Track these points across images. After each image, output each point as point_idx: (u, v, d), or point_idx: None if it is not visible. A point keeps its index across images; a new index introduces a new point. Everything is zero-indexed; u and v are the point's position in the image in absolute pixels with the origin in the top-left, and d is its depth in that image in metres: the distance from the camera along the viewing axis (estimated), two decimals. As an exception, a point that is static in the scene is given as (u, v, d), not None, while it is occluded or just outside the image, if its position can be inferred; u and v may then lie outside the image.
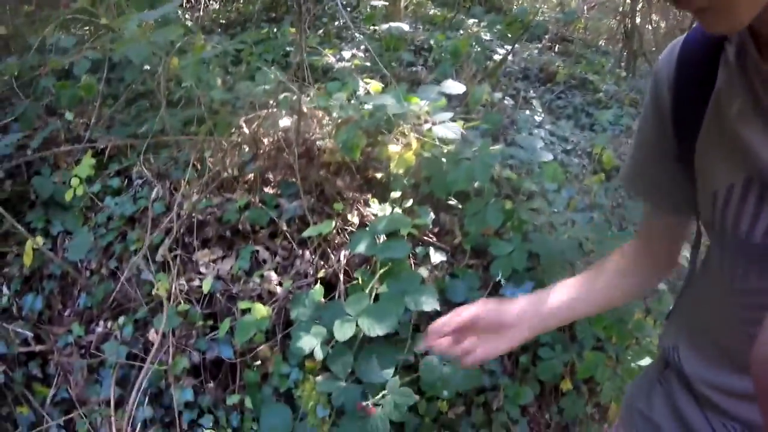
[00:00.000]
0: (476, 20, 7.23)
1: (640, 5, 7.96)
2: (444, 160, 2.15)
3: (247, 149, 2.82)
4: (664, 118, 0.76)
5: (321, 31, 5.11)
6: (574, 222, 2.50)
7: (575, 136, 3.78)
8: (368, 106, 2.35)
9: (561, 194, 2.79)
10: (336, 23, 5.36)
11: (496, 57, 5.03)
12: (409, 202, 2.34)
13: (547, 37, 6.77)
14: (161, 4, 2.10)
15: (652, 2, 8.46)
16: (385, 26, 4.48)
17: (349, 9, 6.15)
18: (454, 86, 2.27)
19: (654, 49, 8.35)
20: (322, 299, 2.14)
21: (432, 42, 5.13)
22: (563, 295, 0.94)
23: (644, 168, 0.85)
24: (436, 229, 2.42)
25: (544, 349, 2.22)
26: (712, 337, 0.77)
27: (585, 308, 0.96)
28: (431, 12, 7.24)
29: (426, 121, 2.25)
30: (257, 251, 2.44)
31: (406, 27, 4.50)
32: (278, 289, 2.31)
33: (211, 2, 5.94)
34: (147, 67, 2.81)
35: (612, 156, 3.56)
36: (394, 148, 2.36)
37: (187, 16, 5.11)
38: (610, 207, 3.12)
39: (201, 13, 5.29)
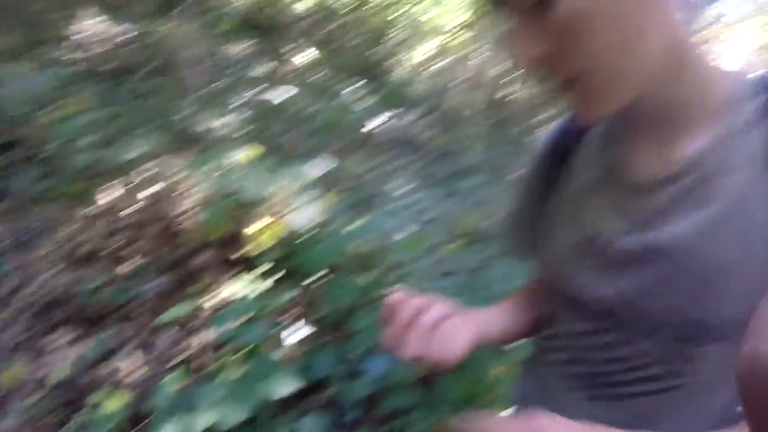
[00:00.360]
0: (356, 86, 7.56)
1: (507, 78, 8.73)
2: (306, 236, 2.21)
3: (108, 221, 2.74)
4: (537, 172, 0.85)
5: (203, 91, 5.07)
6: (437, 288, 2.63)
7: (440, 205, 4.00)
8: (235, 184, 2.38)
9: (421, 263, 2.94)
10: (220, 82, 5.34)
11: (372, 124, 5.29)
12: (273, 279, 2.37)
13: (421, 106, 7.17)
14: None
15: (520, 75, 9.29)
16: (266, 95, 4.56)
17: (239, 66, 6.19)
18: (320, 165, 2.35)
19: (516, 120, 9.14)
20: (183, 384, 2.09)
21: (310, 110, 5.29)
22: (499, 314, 0.95)
23: (521, 225, 0.94)
24: (298, 306, 2.46)
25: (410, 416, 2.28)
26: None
27: (517, 330, 0.95)
28: (314, 78, 7.47)
29: (288, 202, 2.32)
30: (116, 333, 2.36)
31: (283, 96, 4.61)
32: (137, 375, 2.23)
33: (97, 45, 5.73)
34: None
35: (471, 223, 3.83)
36: (258, 225, 2.40)
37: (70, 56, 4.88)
38: (471, 271, 3.29)
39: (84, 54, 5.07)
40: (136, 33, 5.64)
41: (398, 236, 2.95)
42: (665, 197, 0.64)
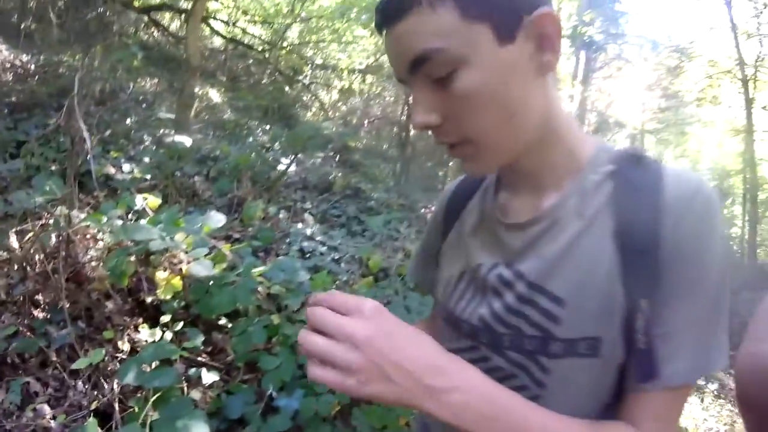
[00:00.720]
0: (265, 128, 7.60)
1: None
2: (210, 283, 2.26)
3: (16, 268, 2.67)
4: (438, 222, 0.98)
5: (108, 132, 4.93)
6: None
7: (346, 244, 4.12)
8: (140, 233, 2.40)
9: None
10: (128, 121, 5.22)
11: (281, 166, 5.36)
12: (180, 325, 2.40)
13: (330, 147, 7.34)
14: None
15: None
16: (170, 139, 4.55)
17: (144, 105, 6.11)
18: (216, 218, 2.40)
19: (424, 158, 9.52)
20: (99, 430, 2.07)
21: (218, 152, 5.29)
22: None
23: (424, 263, 1.03)
24: (208, 349, 2.50)
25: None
26: None
27: None
28: (225, 116, 7.43)
29: (195, 247, 2.37)
30: (28, 383, 2.31)
31: (189, 141, 4.60)
32: (52, 424, 2.19)
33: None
34: None
35: (379, 260, 3.96)
36: (162, 274, 2.43)
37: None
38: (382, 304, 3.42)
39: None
40: (41, 65, 5.49)
41: (308, 276, 3.04)
42: (526, 238, 0.77)
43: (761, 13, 14.51)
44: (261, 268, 2.38)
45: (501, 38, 0.65)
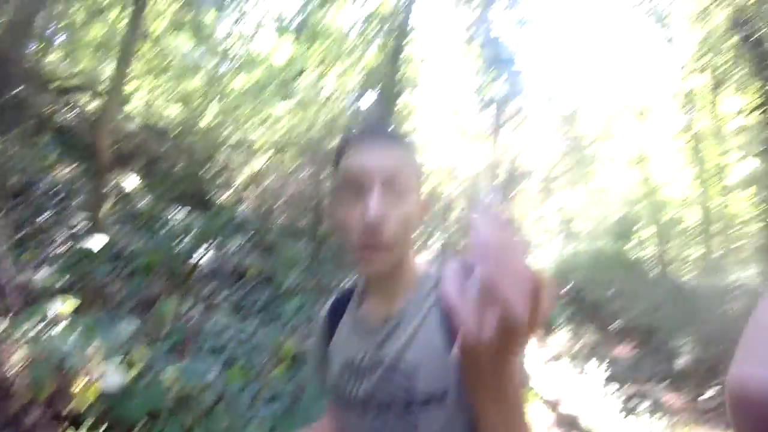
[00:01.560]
0: (181, 215, 7.68)
1: (327, 198, 9.41)
2: (126, 387, 2.45)
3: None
4: (321, 335, 1.29)
5: (22, 233, 4.91)
6: (260, 417, 2.95)
7: (261, 332, 4.32)
8: (55, 344, 2.55)
9: (245, 394, 3.25)
10: (41, 218, 5.18)
11: (197, 256, 5.49)
12: (103, 428, 2.54)
13: (245, 230, 7.50)
14: None
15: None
16: (84, 241, 4.62)
17: (60, 196, 6.10)
18: (129, 325, 2.59)
19: (336, 238, 9.77)
20: None
21: (131, 249, 5.37)
22: None
23: (319, 365, 1.32)
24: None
25: None
26: None
27: None
28: (140, 205, 7.42)
29: (109, 355, 2.55)
30: None
31: (104, 240, 4.68)
32: None
33: None
34: None
35: (293, 346, 4.19)
36: (81, 381, 2.59)
37: None
38: (292, 394, 3.60)
39: None
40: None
41: (221, 370, 3.24)
42: (384, 332, 1.11)
43: (645, 52, 15.90)
44: (173, 370, 2.57)
45: (416, 197, 1.09)
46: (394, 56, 11.48)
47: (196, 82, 12.71)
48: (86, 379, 2.66)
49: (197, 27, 11.32)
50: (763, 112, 10.20)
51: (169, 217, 7.38)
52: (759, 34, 9.53)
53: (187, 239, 6.13)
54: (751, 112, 11.18)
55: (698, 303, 9.81)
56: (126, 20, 9.87)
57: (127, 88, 9.89)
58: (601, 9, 16.71)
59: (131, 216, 6.89)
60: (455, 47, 19.35)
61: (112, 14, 10.35)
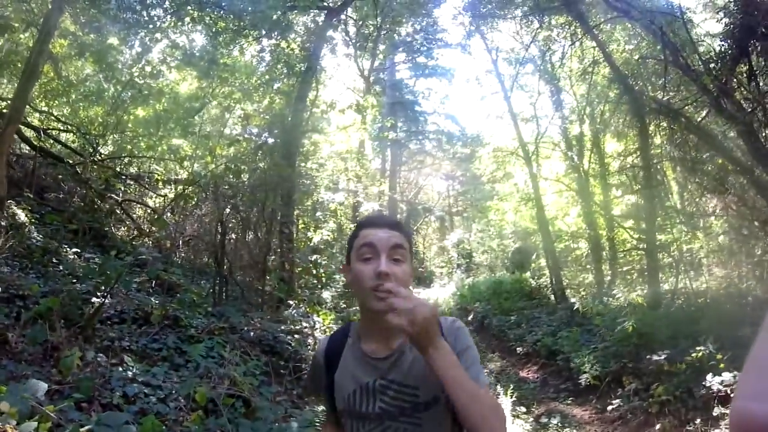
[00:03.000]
0: (78, 252, 7.27)
1: (228, 238, 9.29)
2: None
3: None
4: (321, 369, 1.68)
5: None
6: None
7: (170, 381, 4.18)
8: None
9: (161, 445, 3.15)
10: None
11: (95, 299, 5.21)
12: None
13: (143, 273, 7.19)
14: None
15: (241, 238, 9.89)
16: None
17: None
18: (39, 387, 2.47)
19: (242, 273, 9.63)
20: None
21: (26, 291, 5.05)
22: None
23: (314, 387, 1.77)
24: None
25: None
26: None
27: None
28: (30, 242, 6.93)
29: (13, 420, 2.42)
30: None
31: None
32: None
33: None
34: None
35: (205, 392, 4.09)
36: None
37: None
38: None
39: None
40: None
41: (134, 422, 3.13)
42: (388, 363, 1.56)
43: (536, 100, 17.23)
44: (86, 428, 2.48)
45: (410, 264, 1.59)
46: (299, 98, 11.60)
47: (96, 109, 12.20)
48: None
49: (101, 53, 10.88)
50: (639, 155, 11.32)
51: (64, 254, 6.99)
52: (635, 87, 10.60)
53: (85, 280, 5.84)
54: (629, 155, 12.43)
55: (593, 323, 10.39)
56: (28, 36, 9.41)
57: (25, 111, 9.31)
58: (500, 59, 17.53)
59: (24, 253, 6.47)
60: (359, 89, 19.91)
61: (14, 31, 9.74)
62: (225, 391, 4.14)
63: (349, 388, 1.59)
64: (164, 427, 3.40)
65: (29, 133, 10.15)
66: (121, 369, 4.07)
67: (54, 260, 6.67)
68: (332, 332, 1.86)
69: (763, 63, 8.01)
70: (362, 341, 1.63)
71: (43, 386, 2.37)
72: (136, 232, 10.87)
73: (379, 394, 1.55)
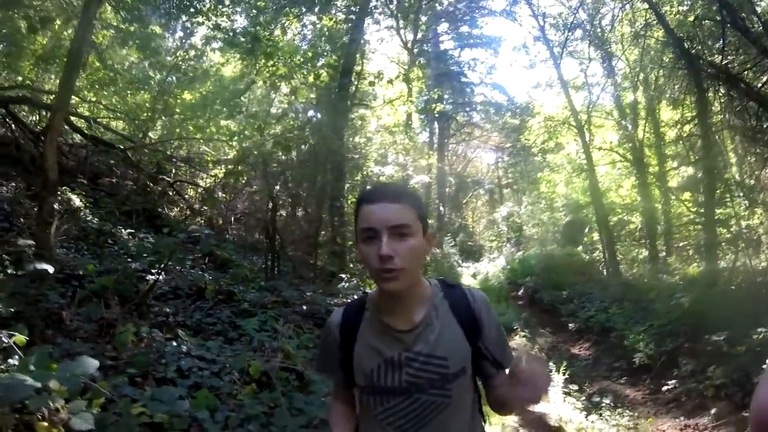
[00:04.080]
0: (132, 232, 7.42)
1: (279, 214, 9.30)
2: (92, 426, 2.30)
3: None
4: (336, 342, 1.61)
5: None
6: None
7: (224, 354, 4.18)
8: (14, 392, 2.38)
9: (216, 418, 3.13)
10: None
11: (149, 277, 5.28)
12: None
13: (199, 245, 7.28)
14: None
15: (292, 213, 9.90)
16: (30, 266, 4.37)
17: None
18: (90, 364, 2.44)
19: (293, 247, 9.65)
20: None
21: (81, 271, 5.14)
22: None
23: (326, 362, 1.72)
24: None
25: None
26: None
27: None
28: (85, 225, 7.10)
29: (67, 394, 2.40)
30: None
31: (51, 269, 4.43)
32: None
33: None
34: None
35: (259, 365, 4.06)
36: (43, 424, 2.44)
37: None
38: (266, 413, 3.48)
39: None
40: None
41: (188, 396, 3.12)
42: (413, 336, 1.53)
43: (587, 67, 16.51)
44: (139, 405, 2.46)
45: (423, 232, 1.49)
46: (344, 72, 11.45)
47: (143, 96, 12.38)
48: (48, 422, 2.51)
49: (144, 39, 10.98)
50: (696, 124, 10.76)
51: (118, 235, 7.13)
52: (692, 51, 9.99)
53: (139, 258, 5.92)
54: (686, 123, 11.82)
55: (648, 301, 10.00)
56: (71, 30, 9.57)
57: (73, 101, 9.51)
58: (548, 25, 16.97)
59: (79, 236, 6.62)
60: (403, 62, 19.60)
61: (56, 24, 9.92)
62: (278, 364, 4.11)
63: (372, 362, 1.55)
64: (218, 401, 3.38)
65: (80, 123, 10.37)
66: (175, 344, 4.09)
67: (109, 241, 6.80)
68: (346, 304, 1.76)
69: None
70: (382, 314, 1.58)
71: (95, 363, 2.34)
72: (188, 212, 11.03)
73: (405, 367, 1.52)
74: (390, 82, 13.05)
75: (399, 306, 1.55)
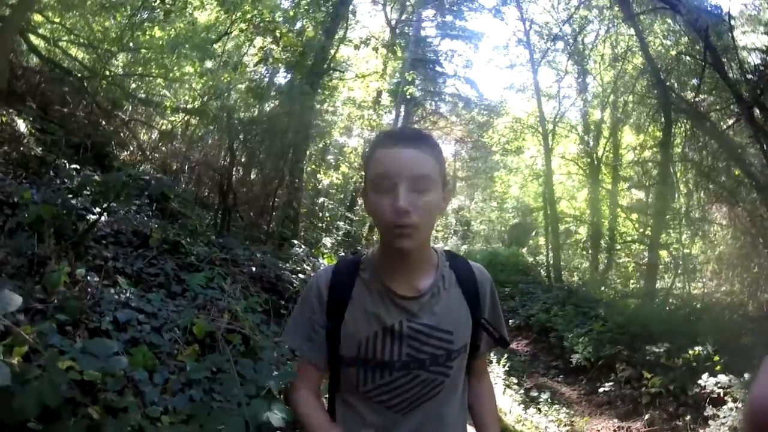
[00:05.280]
0: (75, 168, 6.87)
1: (236, 168, 8.87)
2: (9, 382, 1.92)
3: None
4: (322, 305, 1.42)
5: None
6: (174, 408, 2.54)
7: (167, 309, 3.82)
8: None
9: (155, 380, 2.80)
10: None
11: (90, 216, 4.84)
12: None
13: (146, 194, 6.79)
14: None
15: (248, 171, 9.48)
16: None
17: None
18: (11, 299, 2.01)
19: (246, 206, 9.23)
20: None
21: (16, 199, 4.67)
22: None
23: (305, 331, 1.47)
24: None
25: None
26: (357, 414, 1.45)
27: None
28: (30, 151, 6.56)
29: None
30: None
31: None
32: None
33: None
34: None
35: (204, 325, 3.73)
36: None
37: None
38: (210, 378, 3.15)
39: None
40: None
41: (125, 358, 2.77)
42: (419, 304, 1.38)
43: (562, 78, 17.08)
44: (68, 358, 2.10)
45: (442, 187, 1.33)
46: (328, 31, 11.00)
47: (111, 24, 11.54)
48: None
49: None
50: (656, 151, 11.21)
51: (62, 168, 6.58)
52: (666, 83, 10.34)
53: (82, 193, 5.44)
54: (646, 149, 12.40)
55: (590, 307, 10.58)
56: None
57: (31, 18, 8.75)
58: (532, 31, 17.17)
59: (18, 162, 6.06)
60: (383, 40, 19.15)
61: None
62: (225, 325, 3.77)
63: (368, 330, 1.38)
64: (157, 361, 3.04)
65: (38, 43, 9.59)
66: (113, 291, 3.67)
67: (51, 173, 6.26)
68: (337, 261, 1.56)
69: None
70: (383, 276, 1.40)
71: (18, 300, 1.93)
72: (139, 156, 10.42)
73: (407, 338, 1.37)
74: (375, 49, 12.69)
75: (404, 269, 1.39)
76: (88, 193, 5.43)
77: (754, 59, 8.85)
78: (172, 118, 11.82)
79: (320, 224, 11.04)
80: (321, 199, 10.72)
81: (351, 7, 12.60)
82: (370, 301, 1.39)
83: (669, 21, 11.38)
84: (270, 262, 6.60)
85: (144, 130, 11.76)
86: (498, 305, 1.55)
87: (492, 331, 1.49)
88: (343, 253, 11.72)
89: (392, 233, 1.27)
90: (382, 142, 1.32)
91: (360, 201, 17.82)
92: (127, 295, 3.69)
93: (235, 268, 5.62)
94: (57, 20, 10.73)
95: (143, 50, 11.56)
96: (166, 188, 6.09)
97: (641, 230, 13.10)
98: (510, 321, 11.51)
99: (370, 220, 18.85)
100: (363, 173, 1.52)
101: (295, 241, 8.49)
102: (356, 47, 12.46)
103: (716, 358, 6.21)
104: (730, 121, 9.12)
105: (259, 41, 12.32)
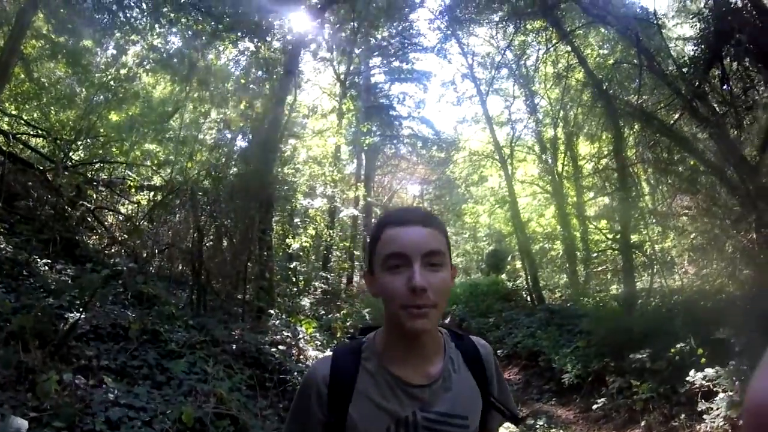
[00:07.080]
0: (48, 263, 6.95)
1: (205, 246, 8.99)
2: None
3: None
4: (322, 404, 1.30)
5: None
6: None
7: (153, 401, 3.97)
8: None
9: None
10: None
11: (69, 315, 4.95)
12: None
13: (118, 285, 6.90)
14: None
15: (218, 246, 9.63)
16: None
17: None
18: (20, 425, 2.25)
19: (220, 280, 9.32)
20: None
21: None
22: None
23: (305, 428, 1.34)
24: None
25: None
26: None
27: None
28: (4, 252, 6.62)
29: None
30: None
31: None
32: None
33: None
34: None
35: (192, 411, 3.90)
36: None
37: None
38: None
39: None
40: None
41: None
42: (432, 392, 1.30)
43: (511, 104, 17.87)
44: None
45: (449, 266, 1.29)
46: (278, 100, 11.37)
47: (68, 113, 11.74)
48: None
49: (75, 54, 10.48)
50: (612, 158, 11.55)
51: (34, 266, 6.68)
52: (609, 91, 10.79)
53: (59, 294, 5.57)
54: (602, 157, 12.74)
55: (573, 324, 10.64)
56: (2, 40, 8.98)
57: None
58: (476, 64, 17.75)
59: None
60: (335, 94, 19.70)
61: None
62: (212, 409, 3.94)
63: (378, 425, 1.27)
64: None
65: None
66: (101, 391, 3.85)
67: (24, 272, 6.37)
68: (334, 350, 1.45)
69: (735, 67, 8.20)
70: (390, 364, 1.32)
71: (24, 425, 2.14)
72: (108, 241, 10.51)
73: (422, 430, 1.27)
74: (324, 116, 13.09)
75: (415, 354, 1.32)
76: (65, 292, 5.56)
77: (689, 50, 9.18)
78: (137, 197, 11.96)
79: (295, 289, 11.18)
80: (293, 264, 10.90)
81: (298, 71, 12.99)
82: (378, 393, 1.30)
83: (603, 30, 11.96)
84: (249, 337, 6.70)
85: (111, 214, 11.86)
86: (503, 379, 1.50)
87: (503, 410, 1.45)
88: (323, 311, 11.83)
89: (408, 314, 1.21)
90: (389, 222, 1.29)
91: (333, 256, 18.03)
92: (115, 393, 3.85)
93: (215, 348, 5.72)
94: (14, 113, 10.94)
95: (101, 136, 11.79)
96: (140, 284, 6.23)
97: (612, 235, 13.16)
98: (498, 351, 11.43)
99: (346, 274, 19.07)
100: (366, 254, 1.51)
101: (272, 311, 8.60)
102: (305, 117, 12.81)
103: (699, 351, 6.29)
104: (676, 116, 9.43)
105: (214, 113, 12.75)
